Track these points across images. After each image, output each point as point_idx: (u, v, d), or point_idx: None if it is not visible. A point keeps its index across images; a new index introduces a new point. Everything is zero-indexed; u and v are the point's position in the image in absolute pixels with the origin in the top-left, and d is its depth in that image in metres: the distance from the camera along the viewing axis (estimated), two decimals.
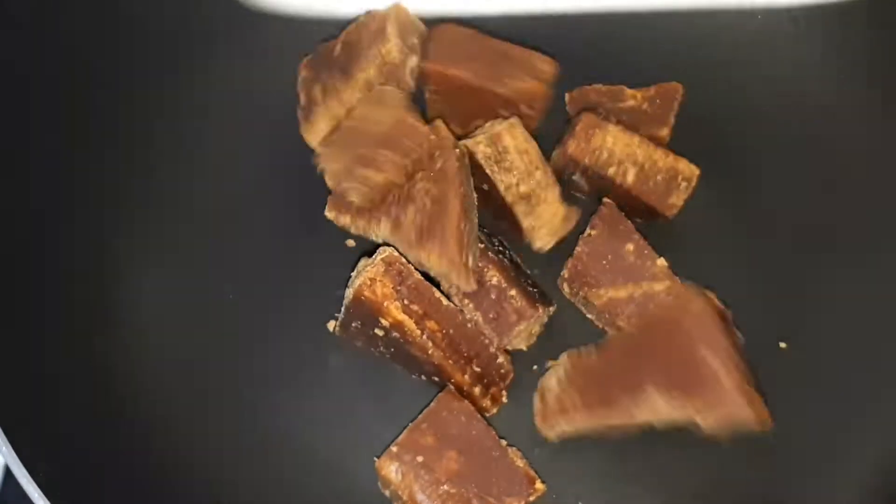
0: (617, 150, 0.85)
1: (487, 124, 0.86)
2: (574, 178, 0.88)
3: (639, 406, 0.76)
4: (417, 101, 0.88)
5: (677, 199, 0.87)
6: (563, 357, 0.79)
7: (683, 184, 0.86)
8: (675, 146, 0.88)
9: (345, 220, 0.84)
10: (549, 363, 0.84)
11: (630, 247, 0.85)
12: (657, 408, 0.75)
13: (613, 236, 0.85)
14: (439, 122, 0.83)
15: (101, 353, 0.82)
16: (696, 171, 0.86)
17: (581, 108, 0.90)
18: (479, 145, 0.82)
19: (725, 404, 0.73)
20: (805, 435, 0.81)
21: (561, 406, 0.78)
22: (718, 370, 0.72)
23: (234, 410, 0.83)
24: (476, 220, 0.82)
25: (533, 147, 0.84)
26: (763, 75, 0.97)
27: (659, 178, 0.86)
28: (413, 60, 0.88)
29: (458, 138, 0.84)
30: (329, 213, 0.85)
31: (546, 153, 0.86)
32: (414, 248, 0.79)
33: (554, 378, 0.78)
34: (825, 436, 0.82)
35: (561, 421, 0.79)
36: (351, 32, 0.91)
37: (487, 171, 0.83)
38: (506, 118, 0.85)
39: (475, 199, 0.83)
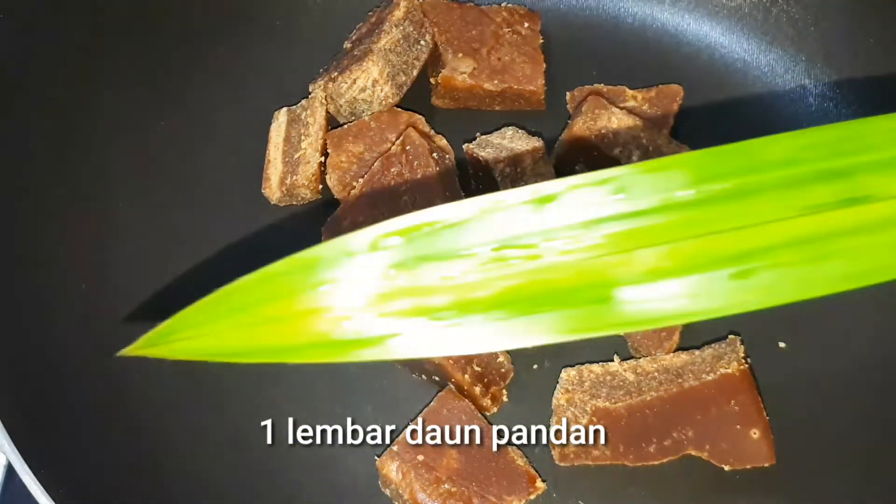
0: (622, 132, 0.86)
1: (509, 132, 0.87)
2: (577, 168, 0.88)
3: (665, 455, 0.78)
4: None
5: None
6: (588, 406, 0.78)
7: None
8: None
9: None
10: (547, 363, 0.85)
11: None
12: (682, 454, 0.78)
13: None
14: (411, 130, 0.84)
15: (102, 351, 0.82)
16: None
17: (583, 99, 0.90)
18: (500, 164, 0.83)
19: (757, 460, 0.78)
20: (804, 435, 0.82)
21: (584, 449, 0.79)
22: (760, 440, 0.77)
23: (234, 409, 0.83)
24: None
25: (549, 172, 0.85)
26: (764, 77, 0.98)
27: None
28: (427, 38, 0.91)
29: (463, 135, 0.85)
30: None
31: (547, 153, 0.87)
32: None
33: (573, 425, 0.78)
34: (825, 436, 0.82)
35: (582, 460, 0.79)
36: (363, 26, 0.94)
37: (501, 188, 0.84)
38: (530, 134, 0.87)
39: (462, 197, 0.83)
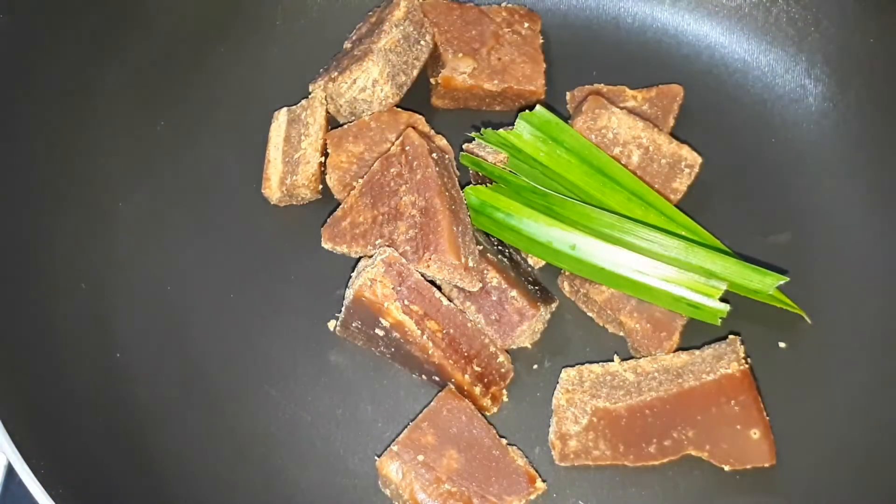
0: (622, 131, 0.86)
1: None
2: None
3: (665, 455, 0.78)
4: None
5: (680, 185, 0.87)
6: (588, 406, 0.78)
7: (686, 170, 0.87)
8: None
9: (342, 248, 0.85)
10: (547, 363, 0.85)
11: None
12: (682, 454, 0.78)
13: None
14: (410, 131, 0.84)
15: (102, 351, 0.82)
16: (699, 159, 0.87)
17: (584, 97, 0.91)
18: (499, 164, 0.83)
19: (757, 460, 0.78)
20: (804, 435, 0.82)
21: (584, 449, 0.79)
22: (761, 440, 0.77)
23: (234, 410, 0.83)
24: (468, 218, 0.82)
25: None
26: (764, 77, 0.98)
27: (663, 161, 0.87)
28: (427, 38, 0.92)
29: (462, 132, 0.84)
30: (325, 244, 0.85)
31: None
32: (413, 261, 0.79)
33: (573, 425, 0.78)
34: (825, 436, 0.82)
35: (582, 460, 0.79)
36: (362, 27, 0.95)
37: None
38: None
39: (463, 197, 0.84)
